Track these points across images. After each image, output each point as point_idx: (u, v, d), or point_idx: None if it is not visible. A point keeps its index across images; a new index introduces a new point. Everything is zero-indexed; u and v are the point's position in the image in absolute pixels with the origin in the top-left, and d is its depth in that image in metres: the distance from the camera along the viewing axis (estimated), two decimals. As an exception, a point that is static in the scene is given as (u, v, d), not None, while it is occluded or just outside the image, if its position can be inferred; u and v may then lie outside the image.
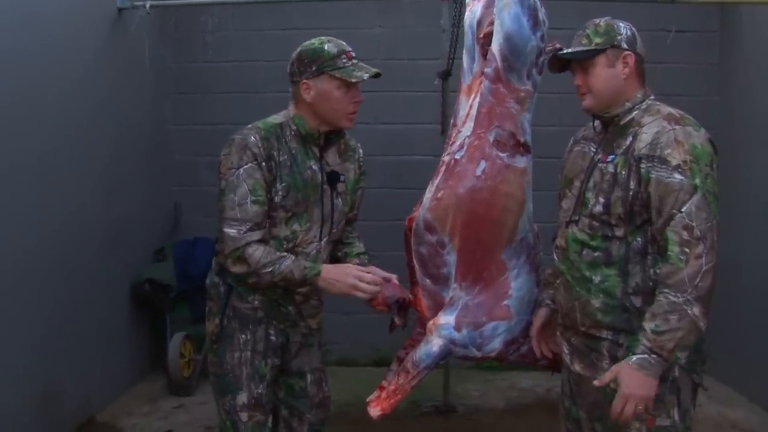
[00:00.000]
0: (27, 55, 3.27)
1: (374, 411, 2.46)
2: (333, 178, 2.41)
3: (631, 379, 1.98)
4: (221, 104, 4.84)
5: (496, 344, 2.49)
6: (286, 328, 2.45)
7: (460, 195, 2.39)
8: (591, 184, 2.14)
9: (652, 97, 2.17)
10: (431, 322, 2.48)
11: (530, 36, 2.36)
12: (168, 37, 4.87)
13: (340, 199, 2.45)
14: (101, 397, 3.99)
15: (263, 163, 2.28)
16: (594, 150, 2.19)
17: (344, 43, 2.36)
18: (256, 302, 2.39)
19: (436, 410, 4.05)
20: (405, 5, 4.72)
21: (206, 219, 4.31)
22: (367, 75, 2.31)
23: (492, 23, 2.38)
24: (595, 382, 2.07)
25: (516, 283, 2.48)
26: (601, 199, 2.10)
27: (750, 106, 4.24)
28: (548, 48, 2.40)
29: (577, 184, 2.20)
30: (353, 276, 2.29)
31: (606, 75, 2.12)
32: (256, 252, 2.25)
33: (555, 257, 2.30)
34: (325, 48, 2.32)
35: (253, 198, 2.27)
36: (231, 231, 2.26)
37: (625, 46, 2.13)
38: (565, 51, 2.21)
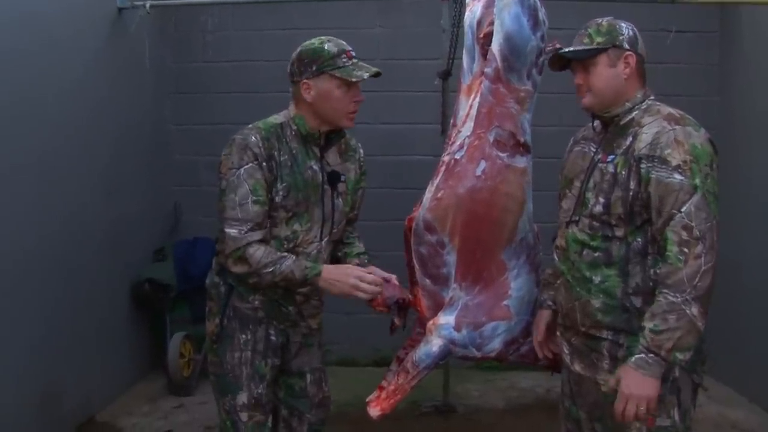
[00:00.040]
0: (27, 55, 3.27)
1: (374, 411, 2.46)
2: (333, 178, 2.41)
3: (631, 379, 1.98)
4: (221, 104, 4.84)
5: (495, 344, 2.49)
6: (286, 328, 2.45)
7: (460, 195, 2.39)
8: (591, 184, 2.14)
9: (652, 98, 2.17)
10: (431, 322, 2.48)
11: (530, 36, 2.36)
12: (168, 37, 4.87)
13: (340, 199, 2.45)
14: (101, 397, 3.99)
15: (264, 163, 2.28)
16: (594, 150, 2.19)
17: (344, 42, 2.36)
18: (257, 302, 2.39)
19: (436, 410, 4.05)
20: (405, 5, 4.72)
21: (206, 219, 4.32)
22: (368, 74, 2.31)
23: (492, 23, 2.38)
24: (603, 389, 2.07)
25: (516, 284, 2.49)
26: (601, 200, 2.10)
27: (750, 106, 4.24)
28: (548, 48, 2.40)
29: (577, 184, 2.20)
30: (354, 276, 2.29)
31: (607, 74, 2.12)
32: (257, 252, 2.25)
33: (555, 257, 2.30)
34: (326, 48, 2.32)
35: (254, 198, 2.27)
36: (232, 231, 2.26)
37: (626, 46, 2.13)
38: (566, 49, 2.21)
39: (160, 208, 4.76)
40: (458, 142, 2.43)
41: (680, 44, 4.45)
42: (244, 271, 2.28)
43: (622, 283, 2.09)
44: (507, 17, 2.34)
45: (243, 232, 2.25)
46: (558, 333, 2.31)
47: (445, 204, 2.40)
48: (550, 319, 2.39)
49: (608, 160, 2.12)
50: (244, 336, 2.40)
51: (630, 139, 2.09)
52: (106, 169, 4.02)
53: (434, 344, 2.45)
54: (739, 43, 4.41)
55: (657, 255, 2.04)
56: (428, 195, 2.45)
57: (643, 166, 2.03)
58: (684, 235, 1.96)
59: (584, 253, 2.15)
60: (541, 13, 2.40)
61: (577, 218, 2.17)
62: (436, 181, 2.45)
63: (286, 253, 2.30)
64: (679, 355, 1.96)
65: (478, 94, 2.40)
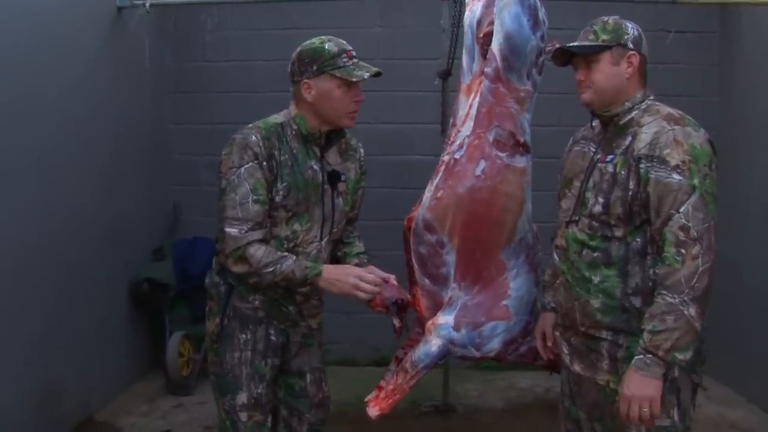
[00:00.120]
0: (27, 54, 3.27)
1: (373, 411, 2.46)
2: (334, 177, 2.41)
3: (631, 380, 1.99)
4: (221, 104, 4.83)
5: (494, 344, 2.49)
6: (286, 327, 2.45)
7: (459, 195, 2.39)
8: (590, 184, 2.14)
9: (652, 98, 2.17)
10: (430, 322, 2.48)
11: (530, 36, 2.36)
12: (167, 36, 4.87)
13: (340, 199, 2.45)
14: (100, 396, 3.99)
15: (264, 163, 2.28)
16: (593, 150, 2.19)
17: (344, 42, 2.36)
18: (257, 302, 2.39)
19: (436, 410, 4.05)
20: (405, 5, 4.72)
21: (205, 218, 4.32)
22: (368, 74, 2.31)
23: (492, 23, 2.38)
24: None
25: (515, 283, 2.49)
26: (601, 199, 2.10)
27: (750, 107, 4.24)
28: (548, 48, 2.40)
29: (576, 184, 2.20)
30: (354, 276, 2.29)
31: (609, 72, 2.12)
32: (258, 252, 2.25)
33: (555, 257, 2.30)
34: (326, 47, 2.31)
35: (255, 197, 2.26)
36: (232, 230, 2.26)
37: (631, 45, 2.13)
38: (571, 44, 2.21)
39: (160, 207, 4.76)
40: (458, 142, 2.43)
41: (680, 44, 4.45)
42: (244, 271, 2.27)
43: (621, 283, 2.09)
44: (507, 17, 2.34)
45: (243, 231, 2.25)
46: (558, 333, 2.31)
47: (444, 204, 2.40)
48: (555, 321, 2.38)
49: (607, 159, 2.12)
50: (244, 336, 2.39)
51: (629, 138, 2.09)
52: (105, 168, 4.02)
53: (433, 344, 2.45)
54: (739, 43, 4.41)
55: (656, 255, 2.04)
56: (428, 195, 2.45)
57: (642, 166, 2.03)
58: (681, 235, 1.96)
59: (584, 253, 2.15)
60: (541, 13, 2.40)
61: (576, 218, 2.17)
62: (436, 180, 2.45)
63: (286, 253, 2.30)
64: (678, 355, 1.96)
65: (478, 94, 2.40)
